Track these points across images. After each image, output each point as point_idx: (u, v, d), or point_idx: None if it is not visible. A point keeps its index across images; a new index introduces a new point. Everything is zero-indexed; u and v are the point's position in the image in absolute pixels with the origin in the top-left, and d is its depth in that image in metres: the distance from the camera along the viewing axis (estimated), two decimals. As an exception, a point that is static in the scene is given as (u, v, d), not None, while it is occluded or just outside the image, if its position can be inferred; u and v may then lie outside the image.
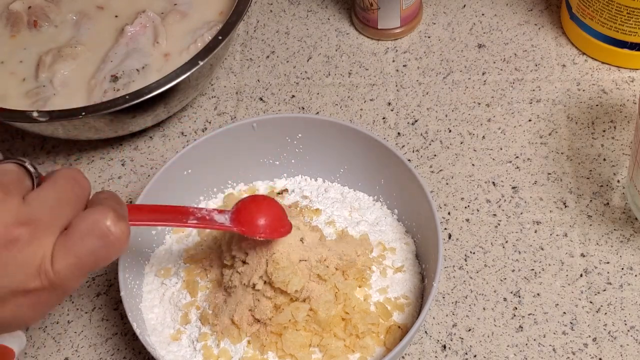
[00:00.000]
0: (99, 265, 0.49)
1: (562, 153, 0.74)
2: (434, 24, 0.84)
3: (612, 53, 0.78)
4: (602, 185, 0.72)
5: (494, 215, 0.71)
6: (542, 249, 0.69)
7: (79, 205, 0.49)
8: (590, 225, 0.70)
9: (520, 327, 0.65)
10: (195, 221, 0.56)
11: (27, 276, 0.47)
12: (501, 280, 0.67)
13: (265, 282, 0.60)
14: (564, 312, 0.65)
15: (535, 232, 0.70)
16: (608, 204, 0.71)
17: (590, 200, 0.71)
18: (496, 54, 0.81)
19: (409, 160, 0.74)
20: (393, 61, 0.82)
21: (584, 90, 0.78)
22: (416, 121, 0.77)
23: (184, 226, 0.56)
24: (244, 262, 0.61)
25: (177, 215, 0.56)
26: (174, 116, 0.79)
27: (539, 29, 0.83)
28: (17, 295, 0.47)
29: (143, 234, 0.65)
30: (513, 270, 0.68)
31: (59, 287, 0.48)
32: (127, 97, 0.69)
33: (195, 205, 0.69)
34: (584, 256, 0.68)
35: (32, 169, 0.49)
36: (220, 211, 0.58)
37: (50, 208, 0.48)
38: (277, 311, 0.60)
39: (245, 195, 0.70)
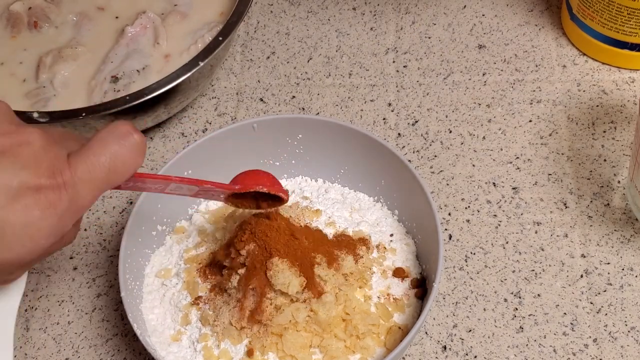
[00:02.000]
0: (117, 174, 0.48)
1: (562, 154, 0.74)
2: (435, 24, 0.84)
3: (613, 54, 0.78)
4: (602, 186, 0.72)
5: (495, 216, 0.71)
6: (542, 249, 0.69)
7: None
8: (591, 226, 0.70)
9: (521, 327, 0.65)
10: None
11: (39, 170, 0.46)
12: (502, 281, 0.67)
13: (265, 284, 0.60)
14: (565, 313, 0.65)
15: (536, 232, 0.70)
16: (608, 204, 0.71)
17: (591, 201, 0.71)
18: (496, 55, 0.81)
19: (410, 161, 0.74)
20: (393, 62, 0.82)
21: (584, 91, 0.78)
22: (416, 122, 0.77)
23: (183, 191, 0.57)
24: (244, 264, 0.61)
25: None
26: (174, 117, 0.79)
27: (540, 29, 0.83)
28: (26, 193, 0.45)
29: (143, 234, 0.65)
30: (513, 271, 0.68)
31: (72, 190, 0.47)
32: (127, 97, 0.69)
33: (195, 207, 0.69)
34: (584, 257, 0.68)
35: None
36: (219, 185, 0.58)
37: None
38: (278, 312, 0.60)
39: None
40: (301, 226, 0.64)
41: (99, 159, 0.48)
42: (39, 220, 0.46)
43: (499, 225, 0.70)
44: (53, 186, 0.46)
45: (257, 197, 0.60)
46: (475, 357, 0.64)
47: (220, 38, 0.72)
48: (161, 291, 0.64)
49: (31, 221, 0.46)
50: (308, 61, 0.83)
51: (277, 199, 0.60)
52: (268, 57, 0.83)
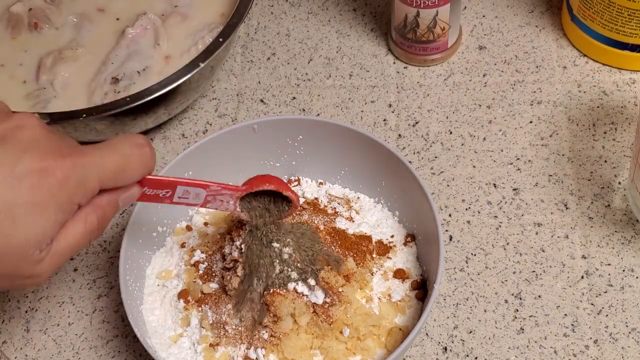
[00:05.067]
0: (124, 173, 0.51)
1: (563, 155, 0.74)
2: (435, 25, 0.84)
3: (613, 55, 0.78)
4: (603, 187, 0.72)
5: (495, 217, 0.71)
6: (543, 250, 0.69)
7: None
8: (592, 227, 0.70)
9: (522, 329, 0.65)
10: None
11: (41, 153, 0.47)
12: (502, 282, 0.67)
13: (266, 287, 0.60)
14: (565, 314, 0.65)
15: (537, 234, 0.70)
16: (609, 205, 0.71)
17: (592, 202, 0.71)
18: (497, 56, 0.81)
19: (410, 162, 0.74)
20: (394, 63, 0.82)
21: (584, 92, 0.78)
22: (417, 123, 0.77)
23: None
24: (244, 266, 0.61)
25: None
26: (175, 118, 0.79)
27: (540, 30, 0.83)
28: (31, 174, 0.47)
29: (144, 236, 0.65)
30: (514, 272, 0.68)
31: (81, 171, 0.49)
32: (127, 99, 0.69)
33: (196, 209, 0.69)
34: (585, 258, 0.68)
35: None
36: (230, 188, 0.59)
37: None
38: (279, 314, 0.60)
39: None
40: (302, 227, 0.64)
41: (112, 153, 0.51)
42: (47, 198, 0.47)
43: (500, 226, 0.70)
44: (61, 167, 0.48)
45: (268, 207, 0.60)
46: (476, 358, 0.64)
47: (221, 39, 0.72)
48: (162, 292, 0.64)
49: (39, 200, 0.47)
50: (308, 62, 0.83)
51: (287, 202, 0.60)
52: (268, 58, 0.83)
